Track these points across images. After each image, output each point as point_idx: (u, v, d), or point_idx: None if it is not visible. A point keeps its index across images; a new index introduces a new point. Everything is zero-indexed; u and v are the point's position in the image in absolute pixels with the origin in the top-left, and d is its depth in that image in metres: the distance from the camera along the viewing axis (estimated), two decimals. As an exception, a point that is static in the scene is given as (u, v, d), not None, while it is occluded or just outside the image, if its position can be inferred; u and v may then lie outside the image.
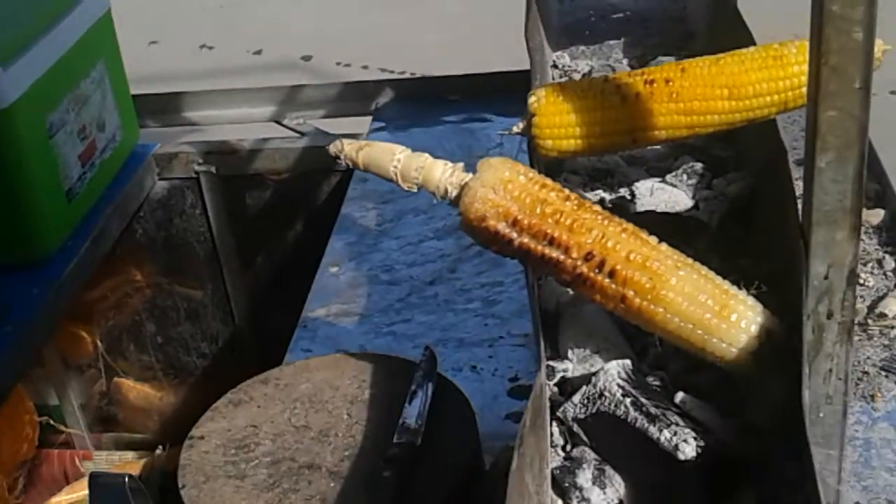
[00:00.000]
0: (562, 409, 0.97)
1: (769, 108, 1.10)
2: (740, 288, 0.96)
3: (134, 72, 4.92)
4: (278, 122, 2.00)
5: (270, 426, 1.17)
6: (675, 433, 0.87)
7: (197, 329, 2.08)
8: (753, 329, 0.90)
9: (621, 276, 0.92)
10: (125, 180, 1.84)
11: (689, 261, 0.93)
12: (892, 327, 1.32)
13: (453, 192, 0.99)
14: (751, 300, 0.92)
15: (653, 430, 0.89)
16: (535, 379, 0.86)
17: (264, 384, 1.25)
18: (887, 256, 1.42)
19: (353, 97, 2.00)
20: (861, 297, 1.38)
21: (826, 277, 0.94)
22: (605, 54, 1.67)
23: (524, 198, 0.95)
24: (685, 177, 1.21)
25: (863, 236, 1.49)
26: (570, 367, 1.02)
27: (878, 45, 1.09)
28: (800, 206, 0.92)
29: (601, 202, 1.21)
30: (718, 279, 0.93)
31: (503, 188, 0.96)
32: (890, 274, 1.40)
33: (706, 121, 1.10)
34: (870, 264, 1.42)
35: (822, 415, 1.01)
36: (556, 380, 1.01)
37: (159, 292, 2.04)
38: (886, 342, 1.30)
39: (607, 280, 0.93)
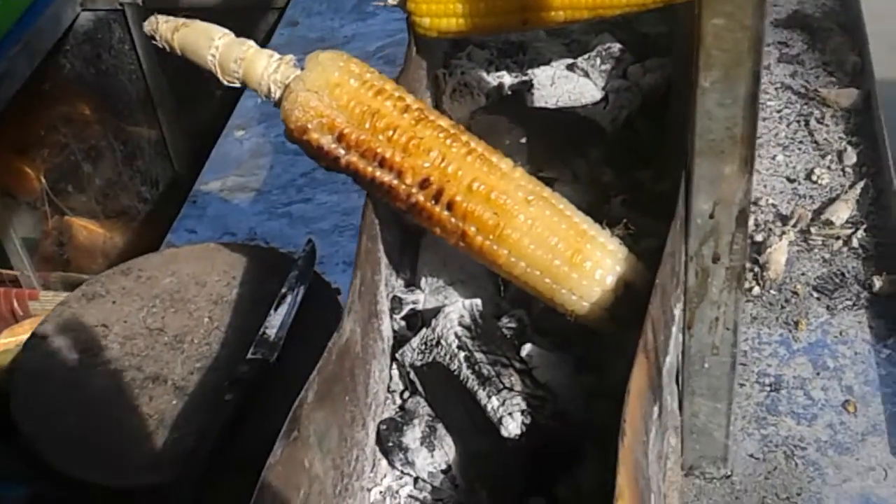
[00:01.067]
0: (401, 351, 0.84)
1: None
2: (615, 225, 0.81)
3: None
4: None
5: (122, 326, 1.06)
6: (504, 402, 0.74)
7: (136, 172, 1.96)
8: (609, 281, 0.75)
9: (461, 209, 0.77)
10: (36, 15, 1.67)
11: (546, 192, 0.78)
12: (837, 238, 1.15)
13: (276, 93, 0.83)
14: (613, 244, 0.76)
15: (482, 394, 0.76)
16: (336, 333, 0.73)
17: (125, 275, 1.13)
18: (849, 149, 1.24)
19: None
20: (811, 197, 1.21)
21: (711, 216, 0.78)
22: None
23: (353, 107, 0.79)
24: (598, 61, 1.03)
25: (828, 121, 1.30)
26: (422, 298, 0.89)
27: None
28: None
29: (499, 89, 1.04)
30: (579, 216, 0.77)
31: (329, 94, 0.79)
32: (849, 170, 1.22)
33: (611, 0, 0.91)
34: (829, 157, 1.24)
35: (707, 366, 0.87)
36: (403, 312, 0.88)
37: (93, 132, 1.91)
38: (827, 256, 1.13)
39: (446, 212, 0.78)
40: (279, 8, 1.73)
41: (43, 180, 2.10)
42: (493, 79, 1.05)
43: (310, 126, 0.79)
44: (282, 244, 1.23)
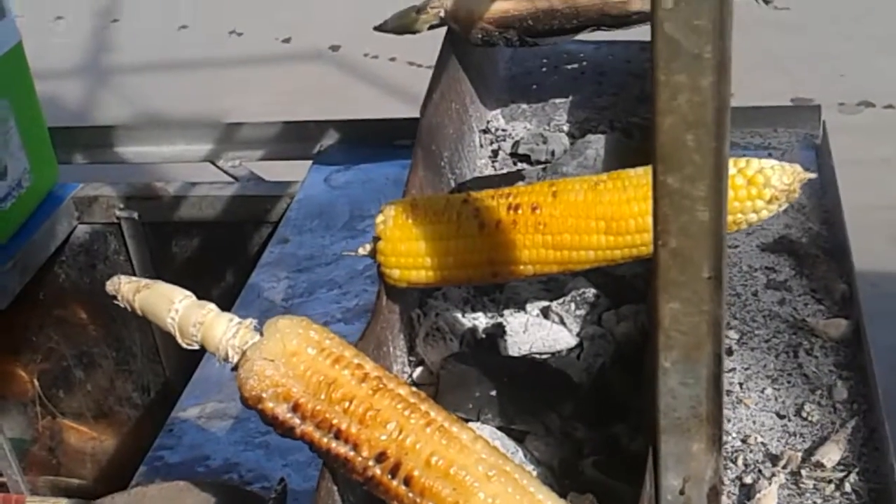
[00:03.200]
0: None
1: (657, 245, 0.91)
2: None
3: (162, 56, 4.83)
4: (213, 163, 1.84)
5: (81, 576, 1.03)
6: None
7: (128, 377, 1.95)
8: (572, 568, 0.72)
9: (419, 485, 0.74)
10: (32, 229, 1.70)
11: (508, 465, 0.75)
12: (829, 481, 1.11)
13: (234, 358, 0.81)
14: (578, 526, 0.73)
15: None
16: None
17: (89, 518, 1.10)
18: (840, 383, 1.21)
19: (295, 138, 1.83)
20: (801, 435, 1.17)
21: (682, 492, 0.75)
22: (547, 116, 1.47)
23: (310, 376, 0.77)
24: (573, 306, 1.02)
25: (817, 352, 1.28)
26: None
27: (795, 173, 0.88)
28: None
29: (473, 332, 1.02)
30: (542, 492, 0.74)
31: (286, 363, 0.78)
32: (840, 406, 1.19)
33: (579, 257, 0.91)
34: (818, 391, 1.21)
35: None
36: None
37: (87, 337, 1.91)
38: (819, 501, 1.09)
39: (403, 487, 0.75)
40: (273, 222, 1.75)
41: (36, 383, 2.09)
42: (468, 320, 1.04)
43: (265, 395, 0.78)
44: (257, 478, 1.19)
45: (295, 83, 4.47)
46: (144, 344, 1.91)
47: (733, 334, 1.26)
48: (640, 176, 0.90)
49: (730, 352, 1.23)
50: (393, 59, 4.44)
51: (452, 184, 1.27)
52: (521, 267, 0.92)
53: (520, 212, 0.91)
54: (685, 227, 0.65)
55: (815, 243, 1.41)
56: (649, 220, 0.90)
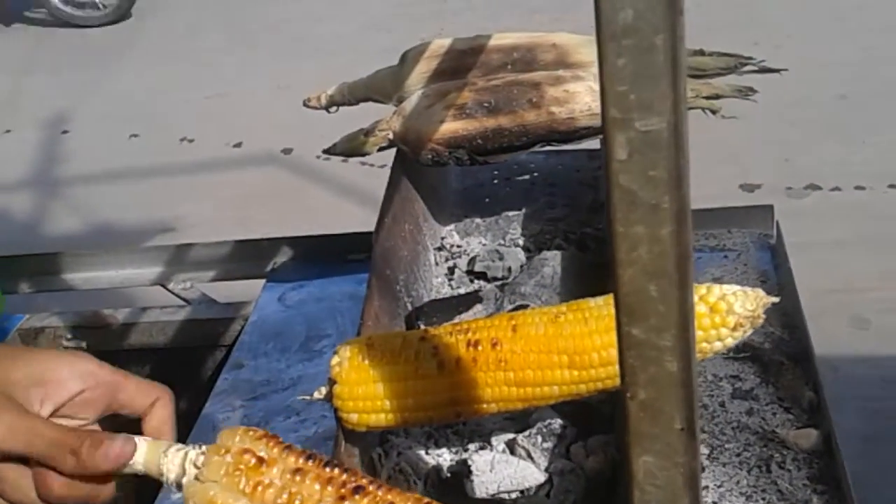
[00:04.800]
0: None
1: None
2: None
3: (113, 166, 4.79)
4: (164, 286, 1.80)
5: None
6: None
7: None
8: None
9: None
10: None
11: None
12: None
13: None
14: None
15: None
16: None
17: None
18: (815, 498, 1.18)
19: (247, 257, 1.79)
20: (778, 561, 1.14)
21: None
22: (502, 230, 1.45)
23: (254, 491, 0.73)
24: (540, 438, 0.99)
25: (789, 465, 1.25)
26: None
27: (758, 299, 0.86)
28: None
29: (437, 471, 0.98)
30: None
31: (226, 483, 0.73)
32: (817, 526, 1.16)
33: (543, 393, 0.88)
34: (793, 510, 1.18)
35: None
36: None
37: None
38: None
39: None
40: (227, 346, 1.70)
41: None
42: (431, 458, 1.00)
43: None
44: None
45: (248, 187, 4.45)
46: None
47: (703, 449, 1.23)
48: (601, 307, 0.88)
49: (702, 468, 1.20)
50: (345, 161, 4.45)
51: (409, 307, 1.24)
52: (485, 405, 0.88)
53: (480, 348, 0.88)
54: (654, 378, 0.62)
55: (778, 349, 1.39)
56: (613, 352, 0.87)
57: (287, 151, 4.76)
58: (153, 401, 0.81)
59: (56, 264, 1.83)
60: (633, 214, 0.57)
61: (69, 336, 1.74)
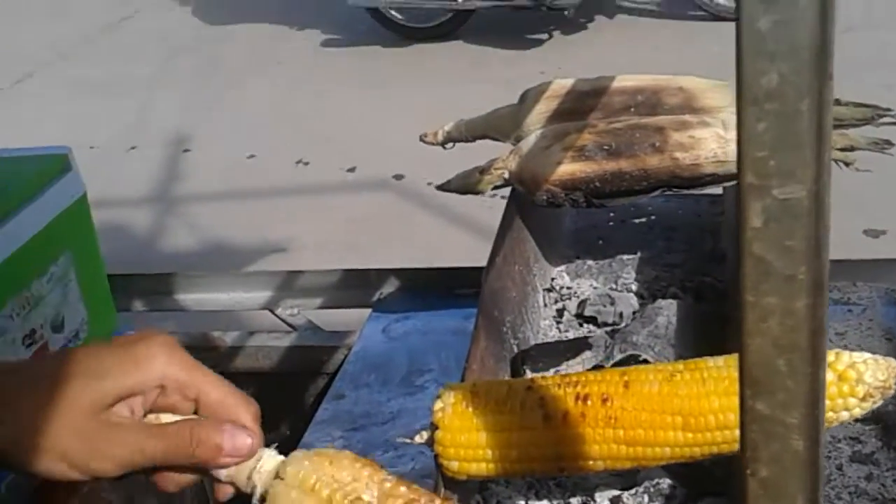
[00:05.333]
0: None
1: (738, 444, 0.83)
2: None
3: (230, 186, 4.90)
4: (271, 311, 1.81)
5: None
6: None
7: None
8: None
9: None
10: (87, 381, 1.67)
11: None
12: None
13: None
14: None
15: None
16: None
17: None
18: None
19: (355, 286, 1.80)
20: None
21: None
22: (615, 274, 1.42)
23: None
24: (646, 498, 0.94)
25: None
26: None
27: (891, 368, 0.81)
28: None
29: (539, 526, 0.95)
30: None
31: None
32: None
33: (654, 453, 0.84)
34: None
35: None
36: None
37: (138, 486, 1.86)
38: None
39: None
40: (329, 374, 1.70)
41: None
42: (532, 510, 0.97)
43: None
44: None
45: (359, 212, 4.50)
46: (199, 494, 1.85)
47: (819, 516, 1.17)
48: (721, 368, 0.84)
49: (817, 538, 1.14)
50: (455, 189, 4.46)
51: (515, 349, 1.22)
52: (591, 462, 0.85)
53: (589, 403, 0.85)
54: (777, 456, 0.58)
55: (905, 413, 1.32)
56: (731, 416, 0.83)
57: (399, 178, 4.79)
58: (238, 410, 0.79)
59: (169, 284, 1.87)
60: (766, 284, 0.53)
61: (178, 356, 1.77)
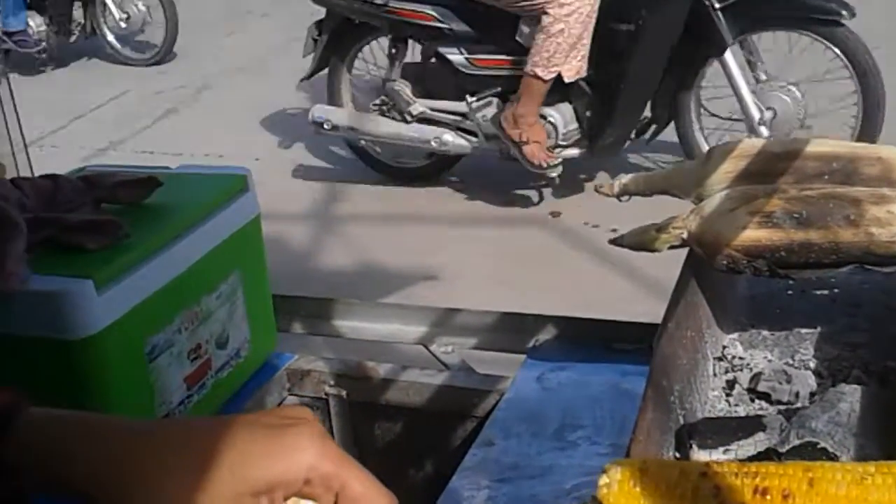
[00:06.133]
0: None
1: (936, 563, 0.76)
2: None
3: (388, 209, 4.95)
4: (426, 347, 1.81)
5: None
6: None
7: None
8: None
9: None
10: (243, 399, 1.70)
11: None
12: None
13: None
14: None
15: None
16: None
17: None
18: None
19: (511, 329, 1.77)
20: None
21: None
22: (791, 348, 1.34)
23: None
24: None
25: None
26: None
27: None
28: None
29: None
30: None
31: None
32: None
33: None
34: None
35: None
36: None
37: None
38: None
39: None
40: (479, 417, 1.68)
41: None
42: None
43: None
44: None
45: (514, 246, 4.49)
46: None
47: None
48: (920, 473, 0.76)
49: None
50: (614, 230, 4.38)
51: (682, 420, 1.16)
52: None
53: (768, 497, 0.79)
54: None
55: None
56: (929, 532, 0.76)
57: (556, 214, 4.76)
58: None
59: (328, 310, 1.89)
60: None
61: (332, 382, 1.78)
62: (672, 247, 1.26)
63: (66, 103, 6.76)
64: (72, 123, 6.53)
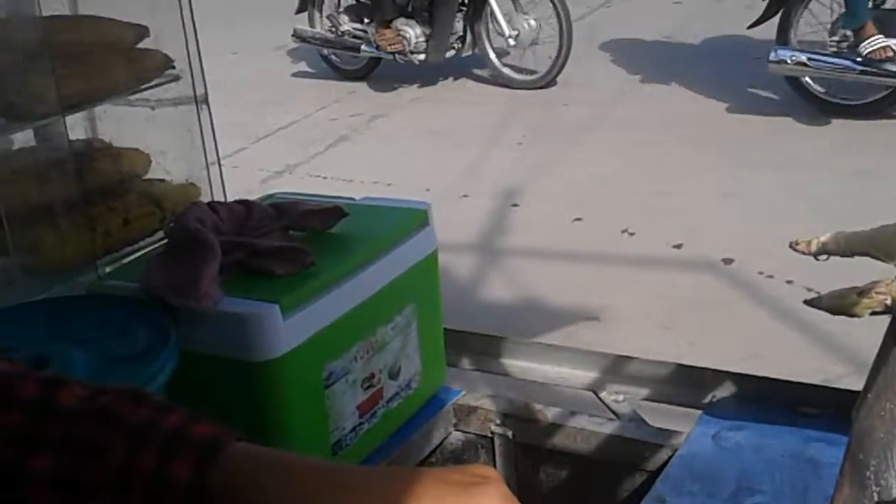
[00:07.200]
0: None
1: None
2: None
3: (553, 246, 4.96)
4: (595, 393, 1.77)
5: None
6: None
7: None
8: None
9: None
10: (410, 431, 1.71)
11: None
12: None
13: None
14: None
15: None
16: None
17: None
18: None
19: (686, 383, 1.71)
20: None
21: None
22: None
23: None
24: None
25: None
26: None
27: None
28: None
29: None
30: None
31: None
32: None
33: None
34: None
35: None
36: None
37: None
38: None
39: None
40: (648, 471, 1.63)
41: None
42: None
43: None
44: None
45: (680, 291, 4.37)
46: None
47: None
48: None
49: None
50: (790, 282, 4.21)
51: (876, 497, 1.09)
52: None
53: None
54: None
55: None
56: None
57: (728, 262, 4.61)
58: None
59: (498, 347, 1.88)
60: None
61: (498, 421, 1.77)
62: (874, 313, 1.19)
63: (250, 126, 7.06)
64: (253, 144, 6.81)
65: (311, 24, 7.81)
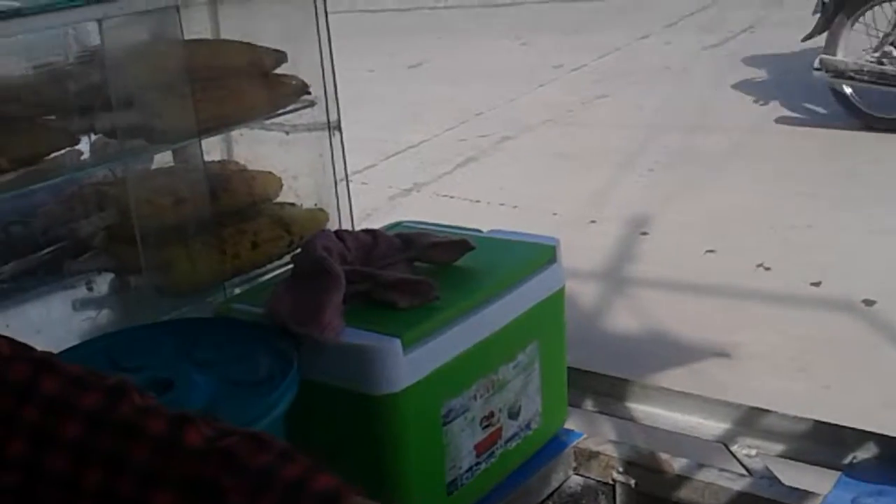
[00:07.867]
0: None
1: None
2: None
3: (682, 278, 4.83)
4: (726, 446, 1.68)
5: None
6: None
7: None
8: None
9: None
10: (527, 473, 1.66)
11: None
12: None
13: None
14: None
15: None
16: None
17: None
18: None
19: (825, 441, 1.61)
20: None
21: None
22: None
23: None
24: None
25: None
26: None
27: None
28: None
29: None
30: None
31: None
32: None
33: None
34: None
35: None
36: None
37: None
38: None
39: None
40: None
41: None
42: None
43: None
44: None
45: (817, 331, 4.17)
46: None
47: None
48: None
49: None
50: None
51: None
52: None
53: None
54: None
55: None
56: None
57: (869, 303, 4.38)
58: None
59: (623, 391, 1.82)
60: None
61: (620, 469, 1.70)
62: None
63: (382, 143, 7.14)
64: (382, 162, 6.88)
65: (833, 52, 6.03)
